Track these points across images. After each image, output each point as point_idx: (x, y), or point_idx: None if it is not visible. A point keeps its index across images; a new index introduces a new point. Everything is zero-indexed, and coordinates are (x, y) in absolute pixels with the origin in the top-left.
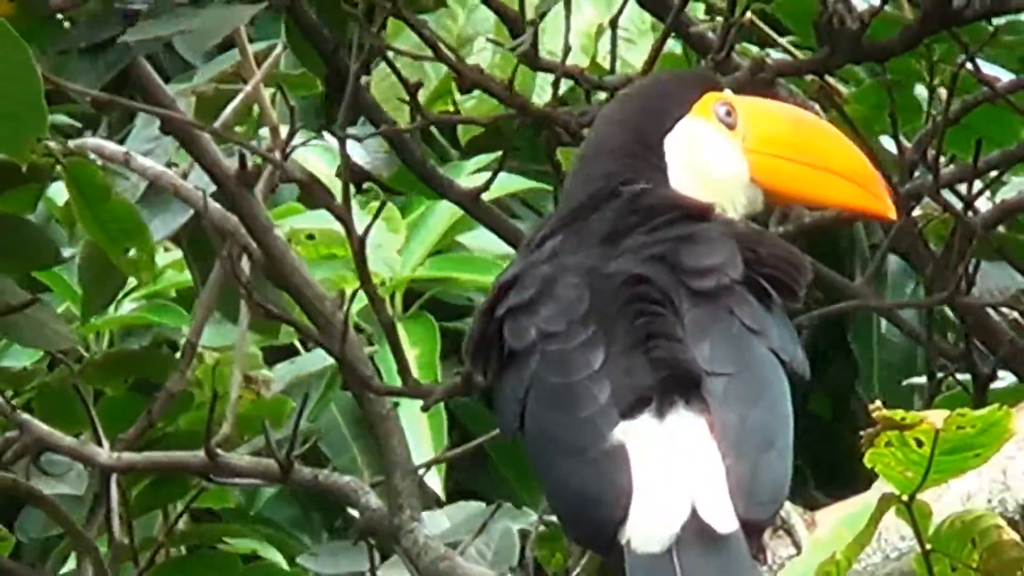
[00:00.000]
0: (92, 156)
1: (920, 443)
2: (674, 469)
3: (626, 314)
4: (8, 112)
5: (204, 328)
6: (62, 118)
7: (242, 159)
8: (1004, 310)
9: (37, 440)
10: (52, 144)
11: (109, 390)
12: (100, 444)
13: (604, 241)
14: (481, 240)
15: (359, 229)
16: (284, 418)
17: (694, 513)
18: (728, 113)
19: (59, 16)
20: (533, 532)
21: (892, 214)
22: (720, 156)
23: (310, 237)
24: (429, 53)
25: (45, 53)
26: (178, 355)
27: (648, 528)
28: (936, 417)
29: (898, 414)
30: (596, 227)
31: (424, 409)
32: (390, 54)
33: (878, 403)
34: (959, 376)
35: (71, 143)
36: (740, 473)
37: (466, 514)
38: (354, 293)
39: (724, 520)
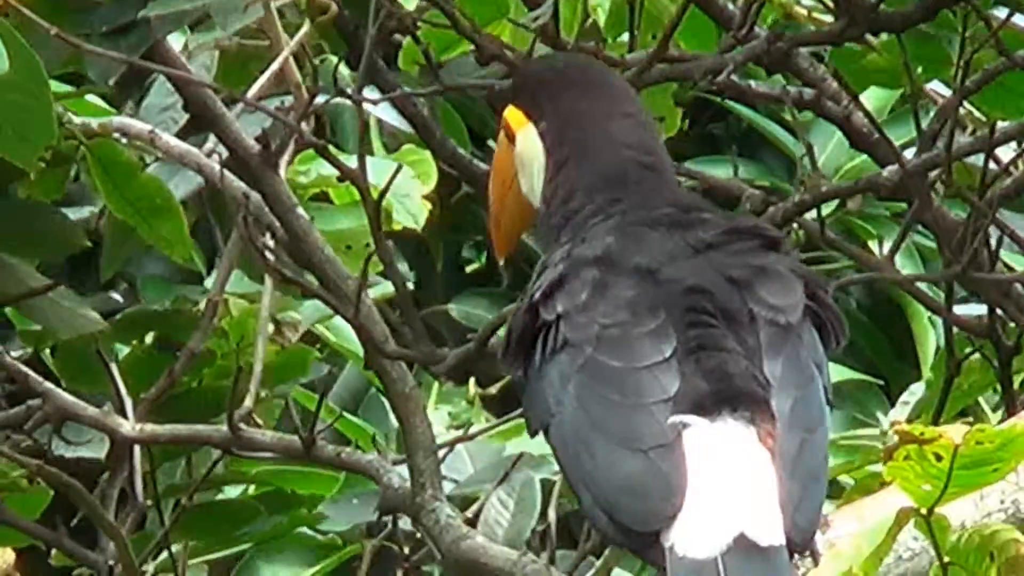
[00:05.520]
0: (116, 135)
1: (939, 457)
2: (723, 477)
3: (681, 321)
4: (17, 121)
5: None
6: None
7: (265, 137)
8: None
9: (59, 409)
10: (75, 121)
11: (133, 349)
12: (123, 408)
13: (673, 249)
14: None
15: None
16: (308, 368)
17: (743, 523)
18: None
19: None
20: (555, 490)
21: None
22: None
23: (341, 180)
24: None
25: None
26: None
27: (696, 534)
28: (955, 432)
29: (917, 428)
30: (667, 234)
31: (436, 375)
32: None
33: (897, 415)
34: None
35: (95, 123)
36: (791, 494)
37: (487, 459)
38: (368, 258)
39: (772, 532)
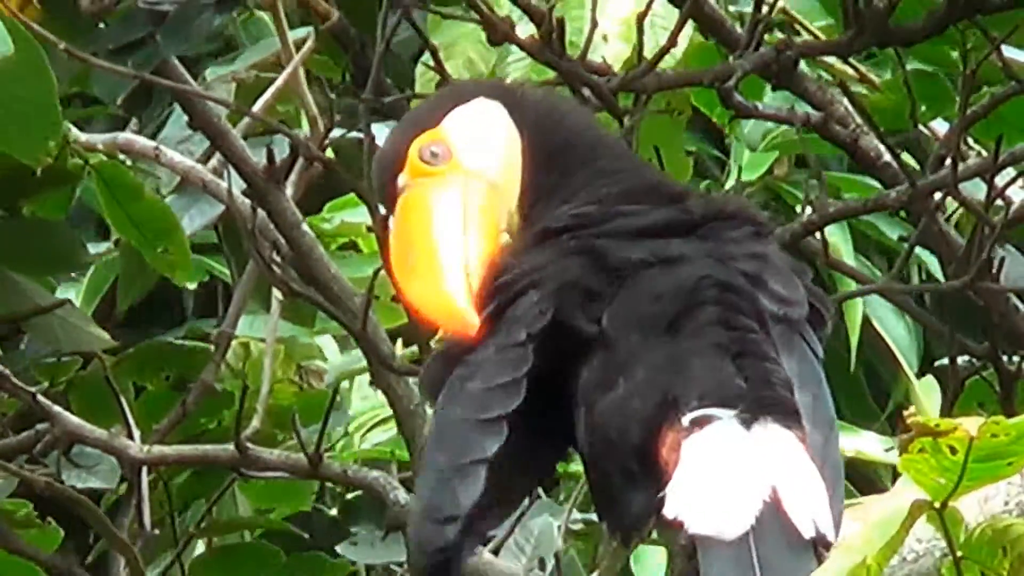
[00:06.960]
0: (121, 155)
1: (953, 450)
2: (758, 465)
3: (711, 315)
4: (21, 115)
5: (240, 319)
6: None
7: (270, 154)
8: None
9: (68, 433)
10: (82, 139)
11: (150, 386)
12: (131, 436)
13: (669, 234)
14: None
15: None
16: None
17: (779, 508)
18: None
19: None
20: (563, 526)
21: None
22: None
23: (370, 230)
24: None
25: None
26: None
27: (719, 515)
28: (970, 425)
29: (932, 421)
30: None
31: None
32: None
33: (913, 409)
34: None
35: (100, 139)
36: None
37: None
38: (375, 272)
39: (812, 523)
